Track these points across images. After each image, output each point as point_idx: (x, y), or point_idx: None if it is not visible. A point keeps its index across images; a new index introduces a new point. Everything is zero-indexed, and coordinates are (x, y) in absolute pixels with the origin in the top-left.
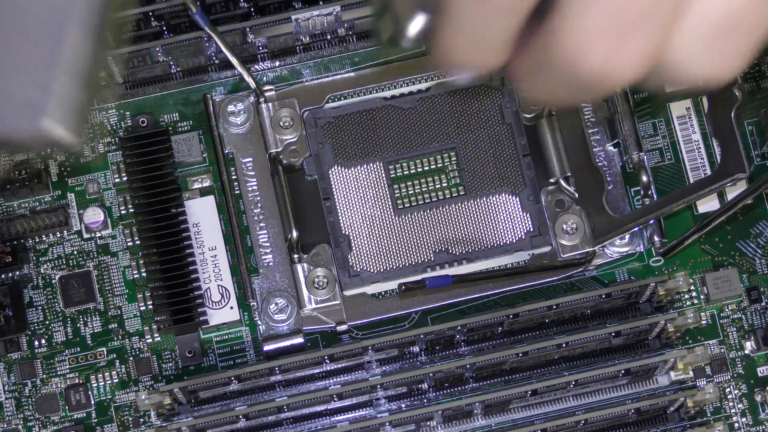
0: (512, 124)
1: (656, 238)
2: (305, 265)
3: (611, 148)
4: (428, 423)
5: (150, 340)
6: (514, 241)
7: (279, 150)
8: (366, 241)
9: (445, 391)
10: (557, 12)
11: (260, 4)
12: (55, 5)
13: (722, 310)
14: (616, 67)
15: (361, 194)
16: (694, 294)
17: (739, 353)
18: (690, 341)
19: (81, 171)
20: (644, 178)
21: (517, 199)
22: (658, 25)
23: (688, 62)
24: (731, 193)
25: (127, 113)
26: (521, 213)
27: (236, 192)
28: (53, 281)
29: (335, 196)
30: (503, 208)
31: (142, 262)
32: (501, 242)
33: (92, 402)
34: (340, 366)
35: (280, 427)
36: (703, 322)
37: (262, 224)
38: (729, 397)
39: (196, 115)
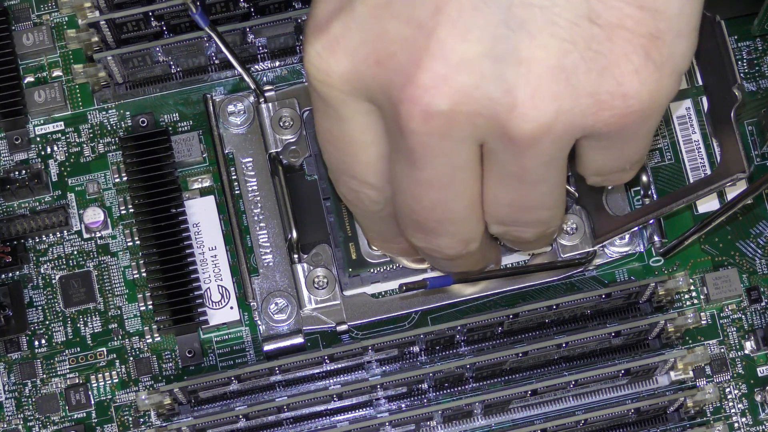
0: None
1: (656, 238)
2: (305, 265)
3: None
4: (428, 423)
5: (150, 340)
6: None
7: (279, 150)
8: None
9: (445, 391)
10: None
11: (260, 4)
12: None
13: (722, 310)
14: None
15: None
16: (694, 294)
17: (739, 353)
18: (690, 341)
19: (81, 171)
20: (644, 178)
21: None
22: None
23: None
24: (731, 193)
25: (127, 113)
26: None
27: (236, 192)
28: (53, 281)
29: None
30: None
31: (142, 262)
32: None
33: (92, 402)
34: (340, 366)
35: (280, 427)
36: (703, 322)
37: (262, 224)
38: (729, 397)
39: (196, 115)
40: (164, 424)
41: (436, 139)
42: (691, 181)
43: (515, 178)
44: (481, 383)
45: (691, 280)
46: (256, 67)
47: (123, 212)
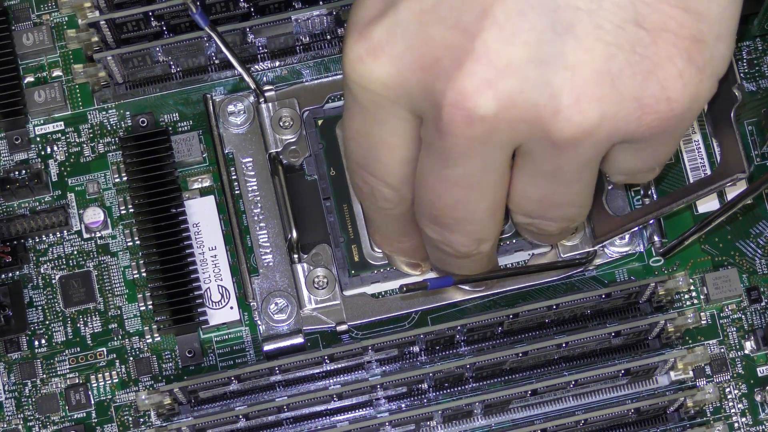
0: None
1: (656, 238)
2: (305, 265)
3: None
4: (428, 423)
5: (150, 340)
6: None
7: (279, 150)
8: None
9: (445, 391)
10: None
11: (260, 4)
12: None
13: (722, 310)
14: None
15: None
16: (694, 294)
17: (739, 353)
18: (690, 341)
19: (81, 171)
20: None
21: None
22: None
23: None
24: (731, 193)
25: (127, 113)
26: None
27: (236, 192)
28: (53, 281)
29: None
30: None
31: (142, 262)
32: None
33: (92, 402)
34: (340, 366)
35: (280, 427)
36: (702, 322)
37: (262, 224)
38: (729, 397)
39: (196, 115)
40: (164, 424)
41: (476, 143)
42: (691, 181)
43: (549, 177)
44: (481, 383)
45: (691, 280)
46: (256, 67)
47: (123, 212)
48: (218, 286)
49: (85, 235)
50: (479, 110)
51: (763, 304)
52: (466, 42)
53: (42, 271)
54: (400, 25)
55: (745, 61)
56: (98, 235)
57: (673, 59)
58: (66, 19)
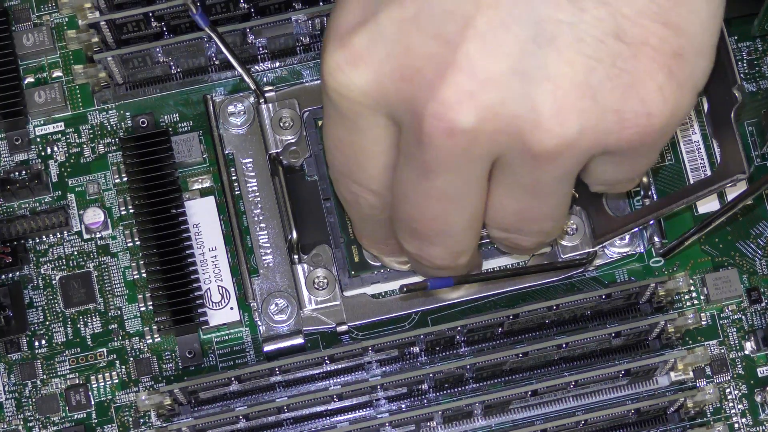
0: None
1: (656, 239)
2: (305, 265)
3: None
4: (428, 423)
5: (150, 341)
6: None
7: (279, 150)
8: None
9: (445, 392)
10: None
11: (260, 4)
12: None
13: (722, 311)
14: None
15: None
16: (694, 294)
17: (739, 354)
18: (690, 342)
19: (81, 171)
20: (644, 179)
21: None
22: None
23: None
24: (731, 194)
25: (127, 114)
26: None
27: (236, 192)
28: (53, 282)
29: None
30: None
31: (142, 262)
32: None
33: (92, 402)
34: (340, 366)
35: (280, 428)
36: (703, 322)
37: (262, 225)
38: (729, 397)
39: (197, 115)
40: (164, 425)
41: (455, 155)
42: (691, 181)
43: (527, 190)
44: (481, 384)
45: (691, 281)
46: (257, 67)
47: (123, 213)
48: (218, 286)
49: (86, 236)
50: (461, 122)
51: (763, 304)
52: (447, 53)
53: (42, 271)
54: (381, 33)
55: (745, 61)
56: (98, 235)
57: (654, 74)
58: (66, 19)
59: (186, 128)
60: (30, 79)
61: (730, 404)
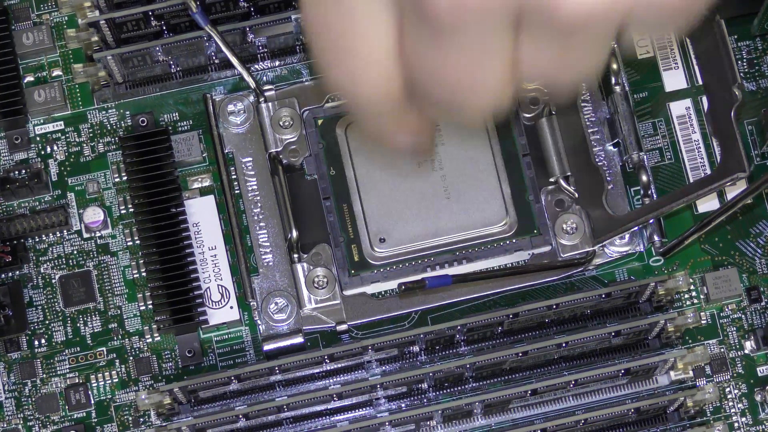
0: (512, 123)
1: (656, 238)
2: (305, 264)
3: (611, 147)
4: (428, 423)
5: (150, 340)
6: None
7: (279, 150)
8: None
9: (444, 391)
10: None
11: (260, 3)
12: None
13: (722, 310)
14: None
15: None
16: (693, 294)
17: (739, 353)
18: (690, 341)
19: (81, 170)
20: (644, 178)
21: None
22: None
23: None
24: (731, 193)
25: (127, 113)
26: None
27: (236, 192)
28: (53, 281)
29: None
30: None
31: (142, 261)
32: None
33: (92, 402)
34: (339, 366)
35: (280, 427)
36: (702, 321)
37: (261, 224)
38: (729, 396)
39: (196, 114)
40: (164, 424)
41: (474, 12)
42: (691, 180)
43: (559, 38)
44: (480, 383)
45: (691, 280)
46: (256, 66)
47: (123, 212)
48: (218, 285)
49: (85, 235)
50: None
51: (763, 303)
52: None
53: (42, 270)
54: None
55: (745, 61)
56: (98, 234)
57: None
58: (66, 18)
59: (186, 127)
60: (30, 78)
61: (730, 403)
